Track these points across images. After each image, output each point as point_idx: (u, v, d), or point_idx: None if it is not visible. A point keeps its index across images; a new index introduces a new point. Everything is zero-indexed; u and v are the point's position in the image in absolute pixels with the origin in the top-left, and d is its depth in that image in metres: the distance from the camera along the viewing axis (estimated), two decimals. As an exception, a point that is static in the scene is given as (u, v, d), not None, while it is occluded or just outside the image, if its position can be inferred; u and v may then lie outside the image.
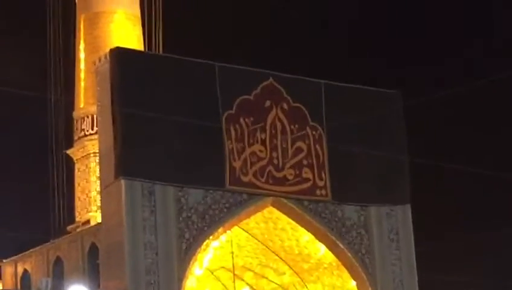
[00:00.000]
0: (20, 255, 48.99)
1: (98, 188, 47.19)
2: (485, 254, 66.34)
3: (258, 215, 45.60)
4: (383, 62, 75.24)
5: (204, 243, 43.47)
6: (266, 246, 47.95)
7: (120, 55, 43.90)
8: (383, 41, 78.29)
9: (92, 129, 51.75)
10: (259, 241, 47.75)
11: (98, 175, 46.91)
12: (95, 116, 49.61)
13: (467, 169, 52.38)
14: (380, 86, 49.43)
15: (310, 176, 45.66)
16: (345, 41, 78.09)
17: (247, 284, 49.81)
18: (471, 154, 63.70)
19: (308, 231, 46.23)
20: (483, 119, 73.94)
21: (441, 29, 76.88)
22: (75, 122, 54.00)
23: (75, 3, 55.36)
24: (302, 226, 46.10)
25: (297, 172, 45.42)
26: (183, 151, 42.93)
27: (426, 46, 77.95)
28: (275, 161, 45.04)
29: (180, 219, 42.73)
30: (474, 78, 56.19)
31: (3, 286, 48.95)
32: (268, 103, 45.36)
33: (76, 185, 53.43)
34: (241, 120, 44.57)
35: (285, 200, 45.22)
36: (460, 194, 66.29)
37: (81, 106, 53.78)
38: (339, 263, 46.59)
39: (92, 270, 43.78)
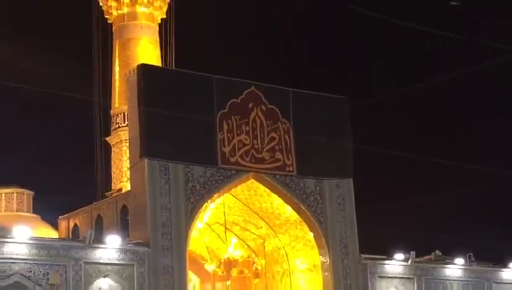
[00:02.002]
0: (71, 213, 49.09)
1: (128, 165, 47.30)
2: (406, 214, 67.10)
3: (243, 185, 45.69)
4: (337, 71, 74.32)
5: (204, 205, 43.87)
6: (249, 208, 47.89)
7: (144, 69, 44.44)
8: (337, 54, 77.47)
9: (124, 123, 51.73)
10: (243, 203, 47.64)
11: (128, 156, 47.11)
12: (125, 113, 50.10)
13: (395, 153, 52.88)
14: (335, 92, 49.08)
15: (281, 157, 45.91)
16: (307, 55, 77.09)
17: (235, 235, 49.60)
18: (399, 142, 63.18)
19: (279, 196, 46.33)
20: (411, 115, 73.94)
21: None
22: (112, 117, 53.82)
23: (112, 32, 55.05)
24: (274, 193, 46.23)
25: (272, 154, 45.65)
26: (189, 139, 43.29)
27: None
28: (256, 146, 45.27)
29: (187, 187, 43.10)
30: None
31: (59, 235, 48.65)
32: (251, 105, 45.62)
33: (112, 163, 53.24)
34: (232, 117, 44.86)
35: (262, 175, 45.50)
36: (389, 172, 66.43)
37: (116, 106, 53.51)
38: (301, 219, 46.59)
39: (123, 224, 44.05)
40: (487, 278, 51.67)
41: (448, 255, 51.54)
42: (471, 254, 51.11)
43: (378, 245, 49.63)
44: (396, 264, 48.34)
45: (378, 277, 47.47)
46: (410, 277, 48.62)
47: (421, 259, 50.26)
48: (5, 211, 51.54)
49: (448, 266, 50.54)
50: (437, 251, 51.96)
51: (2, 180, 52.51)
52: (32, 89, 48.50)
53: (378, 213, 58.17)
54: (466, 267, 50.82)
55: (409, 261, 48.48)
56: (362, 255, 47.20)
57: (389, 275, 48.00)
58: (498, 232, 67.04)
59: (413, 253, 48.61)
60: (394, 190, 68.39)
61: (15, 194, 52.69)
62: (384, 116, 68.42)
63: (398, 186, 69.34)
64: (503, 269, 52.76)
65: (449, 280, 50.17)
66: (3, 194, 52.00)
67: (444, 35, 43.32)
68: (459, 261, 50.68)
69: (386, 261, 48.24)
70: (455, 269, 50.57)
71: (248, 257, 50.04)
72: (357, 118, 49.95)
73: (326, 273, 46.21)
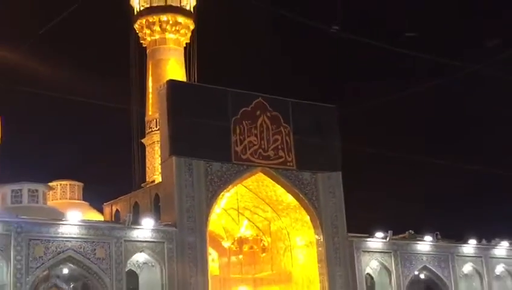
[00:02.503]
0: (114, 200, 49.24)
1: (159, 162, 47.49)
2: (384, 201, 67.36)
3: (252, 177, 45.72)
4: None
5: (221, 194, 44.05)
6: (257, 196, 47.90)
7: (172, 84, 44.79)
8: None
9: (156, 127, 51.58)
10: (253, 192, 47.62)
11: (159, 154, 47.20)
12: (157, 119, 50.04)
13: (376, 152, 53.17)
14: (328, 101, 49.08)
15: (283, 154, 45.95)
16: (304, 72, 77.06)
17: (246, 217, 49.69)
18: (379, 143, 63.42)
19: (282, 186, 46.41)
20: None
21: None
22: (146, 123, 54.06)
23: (146, 54, 55.31)
24: (278, 183, 46.33)
25: (275, 152, 45.72)
26: (208, 140, 43.40)
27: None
28: (262, 146, 45.34)
29: (207, 179, 43.28)
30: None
31: (104, 219, 48.88)
32: (258, 112, 45.70)
33: (146, 160, 53.38)
34: (243, 122, 44.97)
35: (268, 169, 45.57)
36: (371, 167, 66.67)
37: (150, 113, 53.82)
38: (300, 205, 46.69)
39: (156, 209, 44.18)
40: (450, 252, 51.70)
41: (419, 234, 51.84)
42: (437, 232, 51.31)
43: (362, 226, 49.89)
44: (377, 241, 48.52)
45: (362, 251, 47.64)
46: (389, 251, 48.77)
47: (397, 237, 50.41)
48: (60, 199, 51.66)
49: (419, 242, 50.67)
50: (410, 231, 52.32)
51: (59, 174, 53.09)
52: (84, 101, 48.80)
53: (362, 200, 58.24)
54: (433, 243, 50.95)
55: (387, 239, 48.70)
56: (349, 234, 47.26)
57: (371, 250, 48.16)
58: (459, 215, 67.45)
59: (390, 232, 48.83)
60: (375, 181, 68.85)
61: (68, 186, 52.84)
62: (367, 121, 68.61)
63: (378, 179, 69.68)
64: (463, 245, 52.86)
65: (420, 253, 50.24)
66: (59, 186, 52.10)
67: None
68: (428, 238, 50.90)
69: (369, 239, 48.37)
70: (425, 244, 50.69)
71: (257, 235, 50.17)
72: (346, 122, 50.20)
73: (320, 249, 46.28)
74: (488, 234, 54.55)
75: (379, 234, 48.64)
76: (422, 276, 50.56)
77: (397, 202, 67.26)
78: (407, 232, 51.93)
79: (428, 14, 70.50)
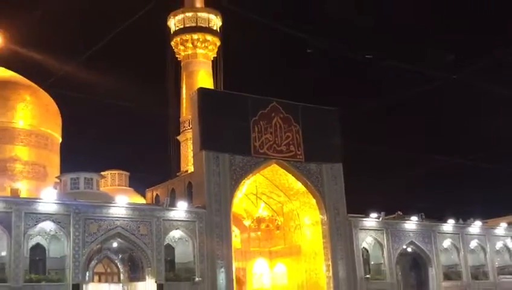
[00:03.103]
0: (154, 187, 48.97)
1: (192, 155, 47.28)
2: (378, 187, 66.89)
3: (268, 168, 45.56)
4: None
5: (242, 181, 43.99)
6: (272, 183, 47.59)
7: (202, 91, 44.70)
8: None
9: (189, 126, 51.29)
10: (269, 180, 47.35)
11: (191, 149, 46.91)
12: (190, 120, 49.84)
13: (371, 146, 53.04)
14: (330, 104, 48.67)
15: (293, 149, 45.71)
16: (310, 81, 77.06)
17: (263, 201, 49.43)
18: (374, 138, 63.41)
19: (293, 175, 46.26)
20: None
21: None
22: (181, 123, 53.85)
23: (181, 66, 55.05)
24: (289, 173, 46.15)
25: (287, 147, 45.48)
26: (232, 137, 43.27)
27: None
28: (276, 142, 45.09)
29: (231, 169, 43.11)
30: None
31: (146, 202, 48.83)
32: (273, 114, 45.50)
33: (181, 153, 53.21)
34: (260, 122, 44.73)
35: (281, 161, 45.42)
36: (366, 159, 66.17)
37: (184, 115, 53.59)
38: (307, 191, 46.51)
39: (189, 194, 43.99)
40: (433, 229, 51.19)
41: (406, 215, 51.41)
42: (422, 213, 50.83)
43: (359, 208, 49.51)
44: (371, 220, 48.21)
45: (359, 229, 47.33)
46: (381, 229, 48.39)
47: (388, 217, 50.04)
48: (110, 185, 51.83)
49: (406, 221, 50.28)
50: (399, 212, 51.96)
51: (109, 165, 53.15)
52: (130, 105, 49.13)
53: (359, 186, 57.80)
54: (419, 222, 50.48)
55: (380, 219, 48.38)
56: (349, 215, 47.04)
57: (367, 228, 47.85)
58: (440, 199, 67.10)
59: (383, 213, 48.57)
60: (370, 171, 68.38)
61: (117, 175, 53.04)
62: (364, 121, 68.16)
63: (372, 168, 69.37)
64: (444, 224, 52.31)
65: (407, 231, 49.79)
66: (109, 175, 52.13)
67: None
68: (414, 218, 50.50)
69: (365, 219, 48.08)
70: (411, 223, 50.26)
71: (272, 215, 49.97)
72: (346, 122, 50.03)
73: (324, 227, 46.11)
74: (464, 215, 54.20)
75: (373, 215, 48.31)
76: (409, 250, 50.09)
77: (388, 188, 67.20)
78: (396, 213, 51.53)
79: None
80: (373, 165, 68.69)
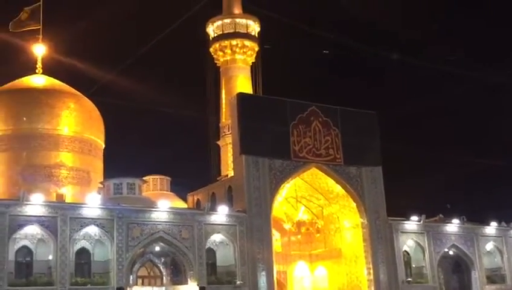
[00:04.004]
0: (195, 191, 49.18)
1: (232, 159, 47.34)
2: (419, 190, 65.97)
3: (308, 171, 45.56)
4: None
5: (282, 185, 44.02)
6: (312, 186, 47.54)
7: (241, 96, 45.00)
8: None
9: (228, 131, 51.06)
10: (308, 184, 47.35)
11: (231, 153, 46.98)
12: (229, 125, 49.66)
13: (411, 149, 52.35)
14: (368, 108, 48.35)
15: (333, 153, 45.63)
16: (349, 84, 75.90)
17: (303, 204, 49.32)
18: (412, 141, 62.63)
19: (332, 179, 46.21)
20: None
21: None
22: (220, 128, 53.86)
23: (219, 72, 55.19)
24: (329, 176, 46.10)
25: (326, 151, 45.45)
26: (271, 142, 43.30)
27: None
28: (316, 146, 45.07)
29: (271, 173, 43.23)
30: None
31: (187, 206, 48.64)
32: (312, 118, 45.49)
33: (221, 158, 53.20)
34: (299, 126, 44.73)
35: (320, 165, 45.38)
36: (408, 161, 65.63)
37: (223, 120, 53.63)
38: (347, 194, 46.39)
39: (229, 198, 44.05)
40: (475, 232, 50.46)
41: (448, 217, 50.73)
42: (464, 216, 50.18)
43: (400, 211, 49.13)
44: (412, 223, 47.73)
45: (400, 232, 46.95)
46: (422, 232, 47.89)
47: (429, 220, 49.46)
48: (152, 190, 51.95)
49: (448, 224, 49.62)
50: (440, 215, 51.37)
51: (151, 170, 53.37)
52: (171, 111, 49.35)
53: (400, 189, 57.20)
54: (460, 225, 49.83)
55: (421, 222, 47.90)
56: (389, 218, 46.69)
57: (407, 231, 47.39)
58: (483, 202, 65.87)
59: (423, 216, 48.04)
60: (411, 174, 67.59)
61: (159, 180, 52.99)
62: (403, 124, 67.83)
63: (413, 171, 68.53)
64: (486, 227, 51.52)
65: (449, 234, 49.22)
66: (151, 180, 52.27)
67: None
68: (456, 221, 49.81)
69: (405, 222, 47.63)
70: (453, 226, 49.61)
71: (312, 219, 49.78)
72: (386, 125, 49.77)
73: (364, 230, 45.90)
74: (507, 217, 52.97)
75: (414, 218, 47.82)
76: (451, 253, 49.43)
77: (429, 191, 66.32)
78: (437, 216, 50.93)
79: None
80: (413, 167, 68.15)
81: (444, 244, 48.68)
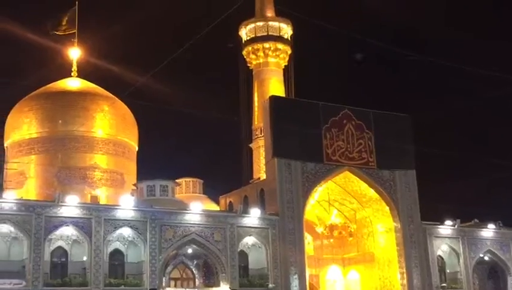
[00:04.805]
0: (228, 194, 49.22)
1: (264, 162, 47.27)
2: (453, 194, 64.99)
3: (340, 175, 45.39)
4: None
5: (315, 188, 43.90)
6: (345, 190, 47.29)
7: (274, 99, 45.07)
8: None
9: (261, 134, 51.05)
10: (341, 187, 47.09)
11: (264, 156, 47.00)
12: (262, 128, 49.86)
13: (444, 152, 51.66)
14: (401, 111, 48.11)
15: (366, 156, 45.49)
16: (381, 87, 75.74)
17: (336, 208, 49.08)
18: (445, 145, 61.91)
19: (365, 182, 45.96)
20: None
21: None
22: (253, 131, 53.70)
23: (252, 75, 55.00)
24: (361, 180, 45.87)
25: (359, 154, 45.32)
26: (304, 145, 43.28)
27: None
28: (348, 149, 44.93)
29: (303, 176, 43.19)
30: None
31: (220, 208, 48.86)
32: (345, 121, 45.38)
33: (254, 161, 53.08)
34: (332, 130, 44.66)
35: (353, 168, 45.21)
36: (441, 165, 64.76)
37: (256, 123, 53.47)
38: (380, 198, 46.11)
39: (261, 201, 44.06)
40: (511, 238, 49.64)
41: (483, 222, 49.90)
42: (500, 221, 49.32)
43: (434, 215, 48.42)
44: (446, 228, 47.20)
45: (434, 236, 46.51)
46: (457, 236, 47.35)
47: (464, 224, 48.77)
48: (185, 193, 52.24)
49: (483, 229, 48.90)
50: (475, 219, 50.54)
51: (184, 172, 53.62)
52: (204, 114, 49.39)
53: (434, 193, 56.53)
54: (496, 230, 49.02)
55: (456, 226, 47.35)
56: (423, 222, 46.21)
57: (442, 236, 46.92)
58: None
59: (458, 220, 47.49)
60: (445, 177, 66.90)
61: (191, 182, 53.36)
62: (437, 127, 67.06)
63: (448, 175, 67.77)
64: (523, 232, 50.78)
65: (484, 239, 48.53)
66: (184, 182, 52.54)
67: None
68: (491, 226, 49.02)
69: (440, 226, 47.11)
70: (488, 231, 48.86)
71: (345, 222, 49.47)
72: (420, 128, 49.15)
73: (398, 234, 45.52)
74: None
75: (448, 222, 47.27)
76: (486, 258, 48.74)
77: (464, 195, 65.31)
78: (473, 221, 50.13)
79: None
80: (447, 171, 67.35)
81: (480, 250, 48.05)
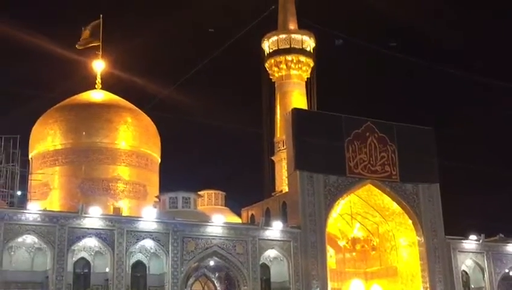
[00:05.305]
0: (250, 206, 49.24)
1: (286, 175, 47.04)
2: (478, 208, 64.44)
3: (363, 188, 45.21)
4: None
5: (337, 201, 43.73)
6: (367, 203, 47.06)
7: (296, 111, 45.00)
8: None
9: (283, 147, 51.17)
10: (363, 200, 46.87)
11: (286, 169, 46.99)
12: (284, 140, 49.95)
13: (469, 166, 51.13)
14: (425, 124, 47.98)
15: (389, 169, 45.27)
16: (405, 100, 75.87)
17: (358, 221, 48.82)
18: (469, 159, 61.65)
19: (388, 196, 45.69)
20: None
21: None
22: (275, 143, 53.78)
23: (275, 87, 55.31)
24: (385, 193, 45.62)
25: (382, 167, 45.12)
26: (326, 157, 43.21)
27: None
28: (371, 162, 44.77)
29: (325, 189, 43.05)
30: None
31: (242, 221, 48.92)
32: (367, 134, 45.22)
33: (276, 173, 53.17)
34: (354, 142, 44.49)
35: (376, 181, 44.99)
36: (465, 179, 64.33)
37: (278, 135, 53.63)
38: (403, 211, 45.77)
39: (283, 214, 44.04)
40: (537, 253, 49.00)
41: (508, 237, 49.13)
42: (525, 236, 48.83)
43: (458, 229, 47.95)
44: (471, 242, 46.73)
45: (458, 251, 46.04)
46: (481, 251, 46.84)
47: (489, 239, 48.14)
48: (207, 205, 52.22)
49: (508, 244, 48.24)
50: (501, 234, 49.85)
51: (206, 185, 53.57)
52: (227, 126, 49.60)
53: (458, 206, 56.02)
54: (522, 246, 48.48)
55: (480, 241, 46.86)
56: (447, 236, 45.80)
57: (466, 250, 46.45)
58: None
59: (483, 235, 46.96)
60: (469, 191, 66.02)
61: (213, 194, 53.26)
62: (462, 141, 66.47)
63: (472, 189, 67.14)
64: (549, 247, 49.93)
65: (509, 254, 47.86)
66: (206, 194, 52.47)
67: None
68: (517, 241, 48.54)
69: (464, 241, 46.66)
70: (514, 247, 48.30)
71: (367, 236, 49.24)
72: (444, 141, 48.77)
73: (421, 248, 45.15)
74: None
75: (473, 237, 46.80)
76: (511, 274, 47.99)
77: (489, 209, 64.74)
78: (498, 236, 49.44)
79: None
80: (472, 185, 66.76)
81: (505, 265, 47.42)
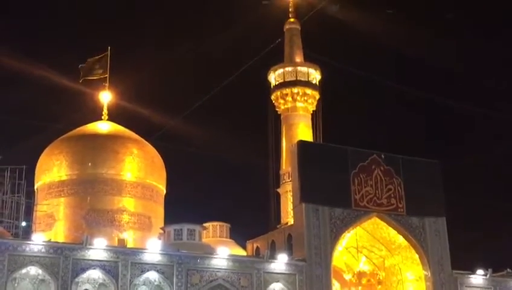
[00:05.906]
0: (255, 239, 49.22)
1: (291, 207, 47.16)
2: (484, 242, 64.10)
3: (369, 221, 45.17)
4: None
5: (343, 234, 43.64)
6: (373, 236, 47.01)
7: (301, 144, 45.20)
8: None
9: (289, 179, 51.04)
10: (369, 233, 46.81)
11: (291, 201, 46.91)
12: (289, 172, 49.79)
13: (475, 202, 50.96)
14: (431, 157, 48.00)
15: (395, 202, 45.19)
16: (411, 133, 75.98)
17: (364, 255, 48.65)
18: (474, 193, 61.43)
19: (394, 229, 45.57)
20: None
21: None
22: (281, 175, 53.70)
23: (281, 120, 55.38)
24: (391, 227, 45.53)
25: (388, 200, 45.04)
26: (332, 190, 43.23)
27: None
28: (377, 195, 44.71)
29: (331, 222, 42.93)
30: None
31: (246, 253, 48.78)
32: (373, 167, 45.22)
33: (281, 206, 52.98)
34: (360, 175, 44.50)
35: (382, 214, 44.93)
36: (472, 213, 63.90)
37: (284, 167, 53.52)
38: (410, 245, 45.59)
39: (289, 246, 43.97)
40: (546, 288, 48.52)
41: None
42: (533, 271, 48.38)
43: (465, 264, 47.73)
44: (478, 277, 46.32)
45: (466, 286, 45.63)
46: (489, 287, 46.39)
47: (497, 274, 47.68)
48: (212, 237, 52.09)
49: (517, 279, 47.98)
50: (508, 269, 49.43)
51: (211, 217, 53.50)
52: (232, 158, 49.58)
53: (465, 241, 55.73)
54: (530, 281, 48.04)
55: (488, 276, 46.47)
56: (454, 271, 45.53)
57: (473, 285, 45.99)
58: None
59: (490, 270, 46.59)
60: (476, 226, 65.80)
61: (218, 226, 53.10)
62: (467, 174, 66.40)
63: (478, 223, 66.85)
64: (558, 283, 49.44)
65: (517, 289, 47.58)
66: (211, 226, 52.35)
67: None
68: (525, 276, 48.10)
69: (471, 275, 46.27)
70: (522, 282, 47.85)
71: (373, 270, 48.78)
72: (449, 175, 48.73)
73: (428, 283, 44.74)
74: None
75: (480, 271, 46.48)
76: (520, 310, 47.59)
77: (496, 244, 64.20)
78: (505, 271, 49.00)
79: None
80: (479, 219, 66.51)
81: (513, 301, 47.01)
